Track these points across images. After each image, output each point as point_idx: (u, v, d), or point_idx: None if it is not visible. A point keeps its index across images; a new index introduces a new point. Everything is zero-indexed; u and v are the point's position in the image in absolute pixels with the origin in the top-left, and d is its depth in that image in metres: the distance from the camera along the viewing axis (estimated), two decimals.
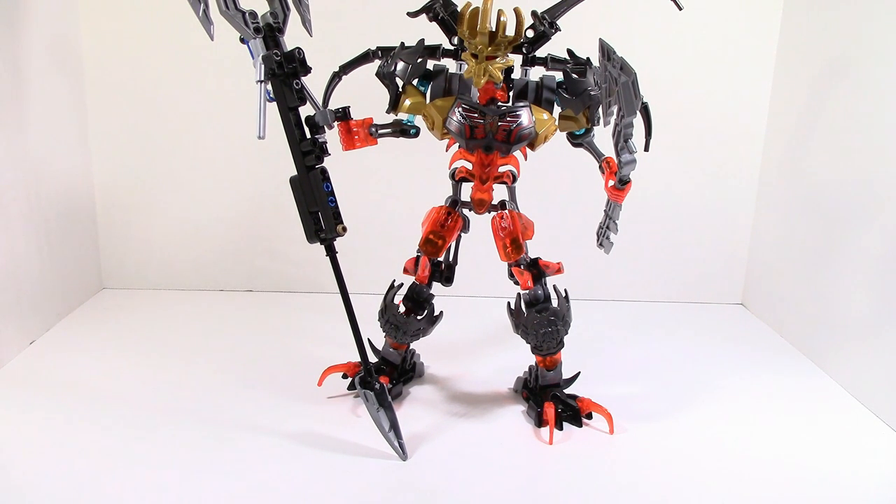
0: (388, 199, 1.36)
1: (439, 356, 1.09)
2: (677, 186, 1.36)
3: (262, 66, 0.78)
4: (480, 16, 0.79)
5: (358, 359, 0.87)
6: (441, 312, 0.98)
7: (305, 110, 0.81)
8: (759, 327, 1.31)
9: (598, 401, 0.93)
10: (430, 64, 0.88)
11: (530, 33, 0.85)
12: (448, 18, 0.86)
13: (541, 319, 0.90)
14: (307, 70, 0.79)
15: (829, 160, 1.14)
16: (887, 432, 0.94)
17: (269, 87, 0.79)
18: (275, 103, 0.79)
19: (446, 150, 0.92)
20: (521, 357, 1.01)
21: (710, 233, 1.39)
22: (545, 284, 0.92)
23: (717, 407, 0.99)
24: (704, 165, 1.36)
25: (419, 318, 0.96)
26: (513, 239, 0.90)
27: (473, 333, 1.21)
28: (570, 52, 0.87)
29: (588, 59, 0.86)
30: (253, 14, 0.78)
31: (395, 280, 0.98)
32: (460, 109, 0.85)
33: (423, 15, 0.86)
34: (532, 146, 0.87)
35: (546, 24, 0.85)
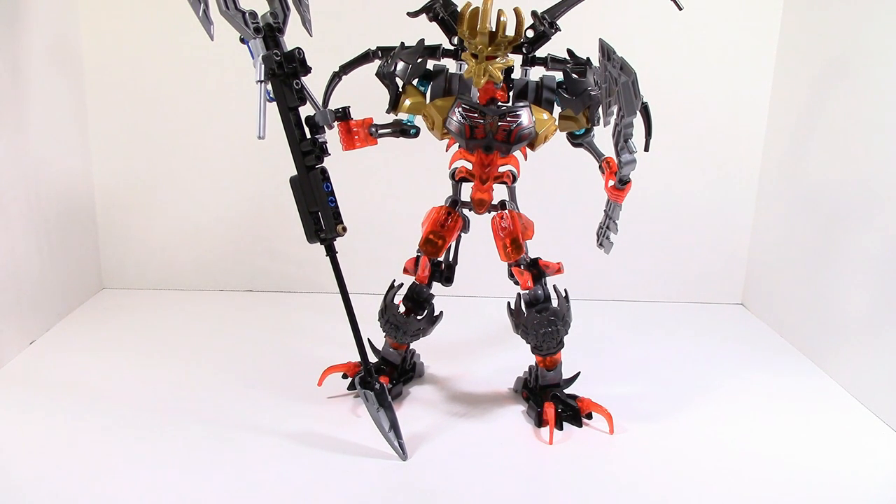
0: (388, 199, 1.36)
1: (439, 356, 1.09)
2: (677, 186, 1.36)
3: (262, 66, 0.78)
4: (480, 16, 0.79)
5: (358, 359, 0.87)
6: (441, 312, 0.98)
7: (305, 110, 0.81)
8: (759, 327, 1.31)
9: (598, 401, 0.93)
10: (430, 64, 0.88)
11: (530, 33, 0.85)
12: (448, 18, 0.86)
13: (541, 319, 0.90)
14: (307, 70, 0.79)
15: (829, 160, 1.14)
16: (887, 432, 0.94)
17: (269, 87, 0.79)
18: (275, 103, 0.79)
19: (446, 150, 0.92)
20: (521, 357, 1.01)
21: (710, 233, 1.39)
22: (545, 284, 0.92)
23: (717, 407, 0.99)
24: (704, 165, 1.36)
25: (419, 318, 0.96)
26: (513, 239, 0.90)
27: (473, 333, 1.21)
28: (570, 52, 0.87)
29: (588, 59, 0.86)
30: (253, 14, 0.78)
31: (395, 280, 0.98)
32: (460, 109, 0.85)
33: (423, 15, 0.86)
34: (532, 146, 0.87)
35: (546, 24, 0.85)
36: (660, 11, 1.18)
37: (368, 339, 0.97)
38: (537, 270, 0.91)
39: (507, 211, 0.91)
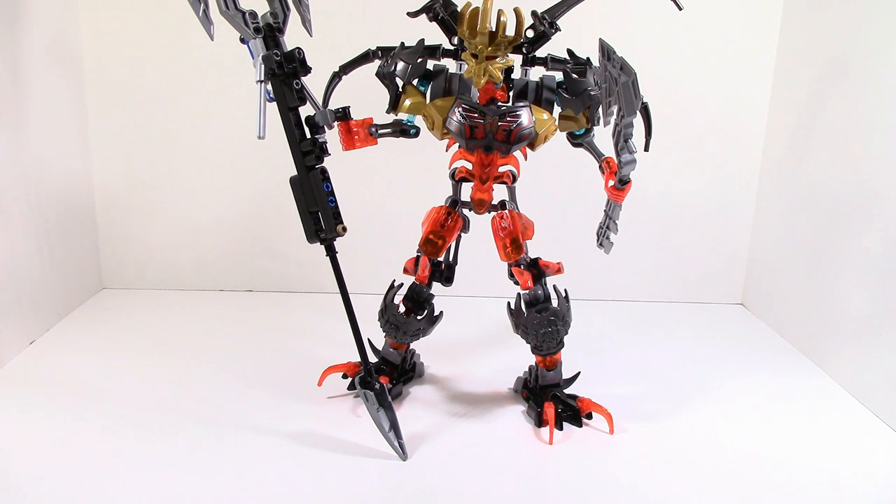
0: (388, 199, 1.36)
1: (439, 356, 1.09)
2: (677, 186, 1.36)
3: (262, 66, 0.78)
4: (480, 16, 0.79)
5: (358, 359, 0.87)
6: (441, 312, 0.98)
7: (305, 110, 0.81)
8: (759, 327, 1.31)
9: (598, 401, 0.93)
10: (430, 64, 0.88)
11: (530, 33, 0.85)
12: (448, 18, 0.86)
13: (541, 319, 0.90)
14: (307, 70, 0.79)
15: (829, 160, 1.14)
16: (887, 432, 0.94)
17: (269, 87, 0.79)
18: (275, 103, 0.79)
19: (446, 150, 0.92)
20: (521, 357, 1.01)
21: (710, 233, 1.39)
22: (545, 284, 0.92)
23: (717, 407, 0.99)
24: (704, 165, 1.36)
25: (419, 318, 0.96)
26: (513, 239, 0.90)
27: (473, 333, 1.21)
28: (570, 52, 0.87)
29: (588, 59, 0.86)
30: (253, 14, 0.78)
31: (395, 280, 0.98)
32: (460, 109, 0.85)
33: (423, 15, 0.86)
34: (532, 146, 0.87)
35: (546, 24, 0.85)
36: (660, 11, 1.18)
37: (368, 339, 0.97)
38: (537, 270, 0.91)
39: (507, 211, 0.91)
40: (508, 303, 0.95)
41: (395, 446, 0.84)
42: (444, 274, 0.96)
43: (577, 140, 0.90)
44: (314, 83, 0.82)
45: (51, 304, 1.20)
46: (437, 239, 0.92)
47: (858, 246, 1.05)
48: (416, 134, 0.89)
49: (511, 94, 0.87)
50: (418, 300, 0.96)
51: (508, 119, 0.84)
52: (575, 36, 0.91)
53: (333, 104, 0.88)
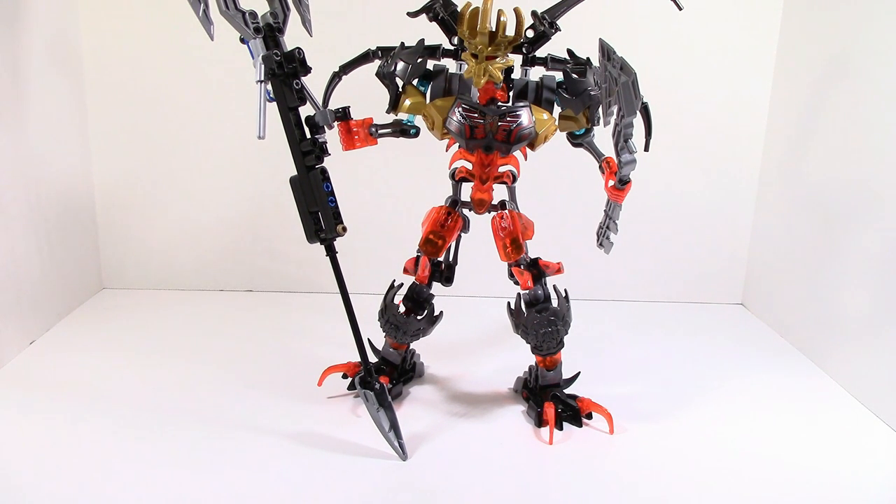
0: (388, 199, 1.36)
1: (439, 356, 1.09)
2: (677, 186, 1.36)
3: (262, 66, 0.78)
4: (480, 16, 0.79)
5: (358, 359, 0.87)
6: (441, 312, 0.98)
7: (305, 110, 0.81)
8: (759, 327, 1.31)
9: (598, 401, 0.93)
10: (430, 64, 0.88)
11: (530, 33, 0.85)
12: (448, 18, 0.85)
13: (541, 319, 0.90)
14: (307, 70, 0.79)
15: (829, 160, 1.14)
16: (887, 432, 0.94)
17: (269, 87, 0.79)
18: (275, 103, 0.79)
19: (446, 150, 0.92)
20: (521, 357, 1.01)
21: (710, 233, 1.39)
22: (545, 284, 0.92)
23: (717, 407, 0.99)
24: (704, 165, 1.36)
25: (419, 318, 0.96)
26: (513, 239, 0.90)
27: (473, 333, 1.21)
28: (570, 52, 0.87)
29: (588, 59, 0.86)
30: (253, 14, 0.78)
31: (395, 280, 0.98)
32: (460, 109, 0.85)
33: (423, 15, 0.86)
34: (532, 146, 0.87)
35: (546, 24, 0.85)
36: (660, 11, 1.18)
37: (368, 339, 0.97)
38: (537, 270, 0.91)
39: (507, 211, 0.91)
40: (508, 303, 0.95)
41: (395, 446, 0.84)
42: (444, 274, 0.96)
43: (577, 140, 0.90)
44: (314, 83, 0.82)
45: (51, 304, 1.20)
46: (437, 239, 0.92)
47: (858, 246, 1.05)
48: (416, 134, 0.89)
49: (511, 94, 0.87)
50: (418, 300, 0.96)
51: (508, 119, 0.84)
52: (575, 36, 0.91)
53: (333, 104, 0.88)
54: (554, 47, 0.87)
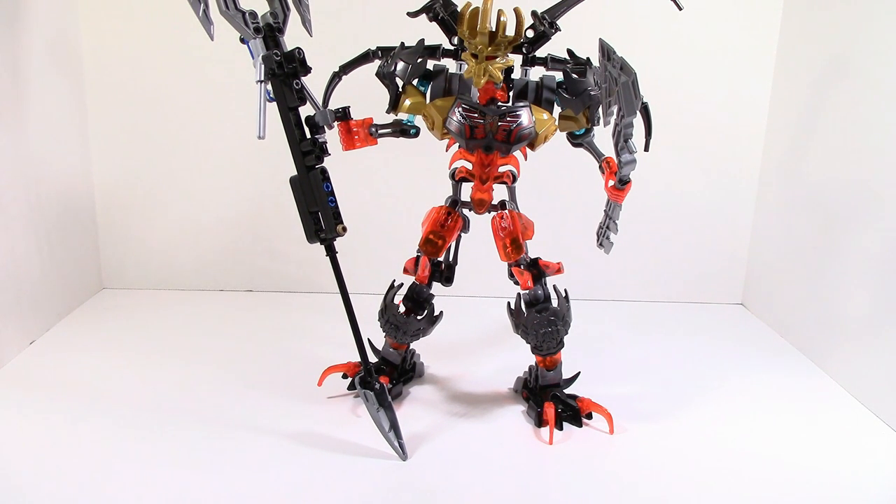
0: (388, 199, 1.36)
1: (439, 356, 1.09)
2: (677, 186, 1.36)
3: (262, 66, 0.78)
4: (480, 16, 0.79)
5: (358, 359, 0.87)
6: (441, 312, 0.98)
7: (305, 110, 0.81)
8: (759, 327, 1.31)
9: (598, 401, 0.93)
10: (430, 64, 0.88)
11: (530, 33, 0.85)
12: (448, 18, 0.85)
13: (541, 319, 0.90)
14: (307, 70, 0.79)
15: (829, 160, 1.14)
16: (887, 432, 0.94)
17: (269, 87, 0.79)
18: (275, 103, 0.79)
19: (446, 150, 0.92)
20: (521, 357, 1.01)
21: (710, 233, 1.39)
22: (545, 284, 0.92)
23: (717, 407, 0.99)
24: (704, 165, 1.36)
25: (419, 318, 0.96)
26: (513, 239, 0.90)
27: (473, 333, 1.21)
28: (570, 52, 0.87)
29: (588, 59, 0.86)
30: (253, 14, 0.78)
31: (395, 280, 0.98)
32: (460, 109, 0.85)
33: (423, 15, 0.86)
34: (532, 146, 0.87)
35: (546, 24, 0.85)
36: (660, 11, 1.18)
37: (368, 339, 0.97)
38: (537, 270, 0.91)
39: (507, 211, 0.91)
40: (508, 303, 0.95)
41: (395, 446, 0.84)
42: (444, 274, 0.96)
43: (577, 140, 0.90)
44: (314, 83, 0.82)
45: (51, 304, 1.20)
46: (437, 239, 0.92)
47: (858, 246, 1.05)
48: (416, 134, 0.89)
49: (511, 94, 0.87)
50: (418, 300, 0.96)
51: (508, 119, 0.84)
52: (575, 36, 0.91)
53: (333, 104, 0.88)
54: (554, 47, 0.87)
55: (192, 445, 0.85)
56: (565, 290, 0.94)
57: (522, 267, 0.91)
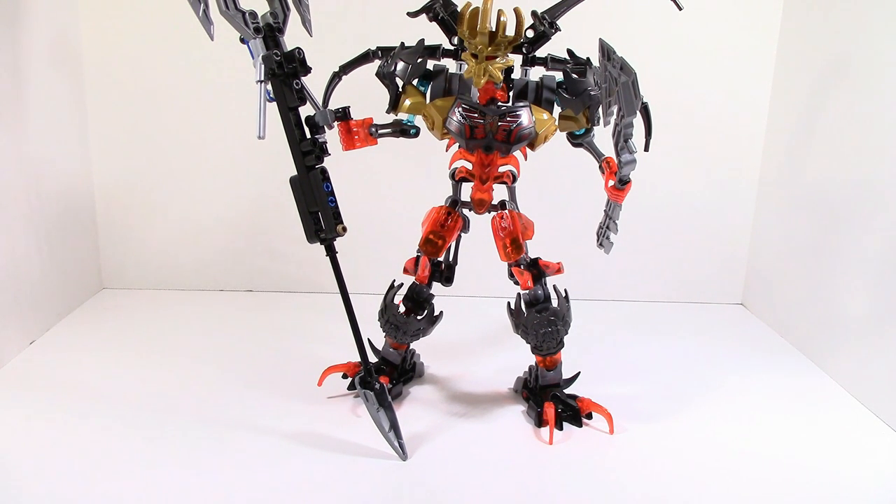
0: (388, 199, 1.36)
1: (439, 356, 1.09)
2: (677, 187, 1.36)
3: (262, 66, 0.78)
4: (480, 16, 0.79)
5: (358, 359, 0.87)
6: (441, 312, 0.98)
7: (305, 110, 0.81)
8: (759, 327, 1.31)
9: (598, 401, 0.93)
10: (430, 64, 0.88)
11: (530, 33, 0.85)
12: (448, 18, 0.85)
13: (541, 319, 0.90)
14: (307, 70, 0.79)
15: (829, 160, 1.14)
16: (887, 432, 0.94)
17: (269, 87, 0.79)
18: (275, 103, 0.79)
19: (446, 150, 0.92)
20: (521, 357, 1.01)
21: (710, 233, 1.39)
22: (545, 284, 0.92)
23: (716, 407, 0.99)
24: (704, 166, 1.36)
25: (419, 318, 0.96)
26: (513, 239, 0.90)
27: (473, 333, 1.21)
28: (570, 52, 0.87)
29: (588, 59, 0.86)
30: (253, 14, 0.78)
31: (395, 280, 0.98)
32: (460, 109, 0.85)
33: (423, 15, 0.86)
34: (532, 146, 0.87)
35: (546, 24, 0.85)
36: (660, 11, 1.18)
37: (368, 339, 0.97)
38: (537, 270, 0.91)
39: (507, 211, 0.91)
40: (508, 303, 0.95)
41: (395, 446, 0.84)
42: (444, 274, 0.96)
43: (577, 140, 0.90)
44: (314, 83, 0.82)
45: (51, 304, 1.20)
46: (437, 239, 0.92)
47: (858, 246, 1.05)
48: (416, 134, 0.89)
49: (511, 94, 0.87)
50: (418, 300, 0.96)
51: (508, 119, 0.84)
52: (575, 36, 0.91)
53: (333, 104, 0.88)
54: (554, 47, 0.87)
55: (192, 445, 0.85)
56: (565, 290, 0.94)
57: (522, 267, 0.91)
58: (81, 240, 1.32)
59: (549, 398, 0.92)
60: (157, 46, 1.29)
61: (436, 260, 0.94)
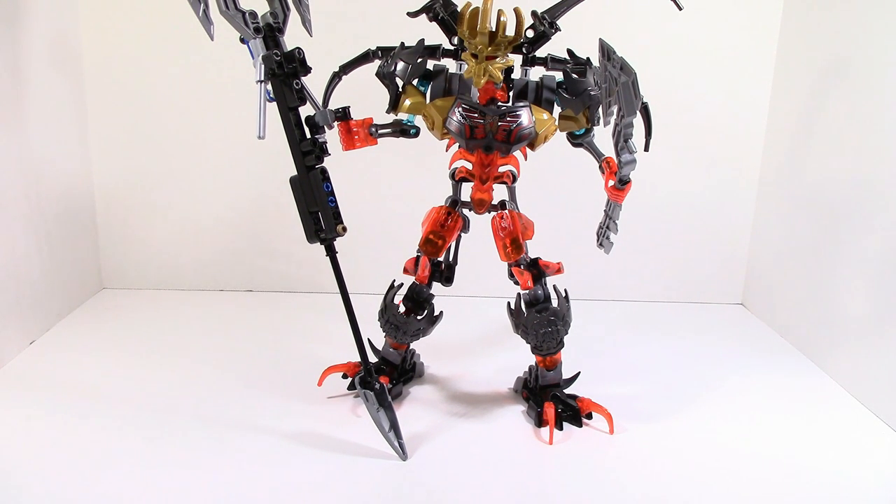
0: (388, 199, 1.36)
1: (439, 356, 1.09)
2: (677, 186, 1.36)
3: (262, 66, 0.78)
4: (480, 16, 0.79)
5: (358, 359, 0.87)
6: (441, 312, 0.98)
7: (305, 110, 0.81)
8: (759, 327, 1.31)
9: (598, 401, 0.93)
10: (430, 64, 0.88)
11: (530, 33, 0.85)
12: (448, 18, 0.85)
13: (541, 319, 0.90)
14: (307, 70, 0.79)
15: (829, 160, 1.14)
16: (887, 432, 0.94)
17: (269, 87, 0.79)
18: (275, 103, 0.79)
19: (446, 150, 0.92)
20: (521, 357, 1.01)
21: (710, 233, 1.39)
22: (545, 284, 0.92)
23: (717, 407, 0.99)
24: (704, 166, 1.36)
25: (419, 318, 0.96)
26: (513, 239, 0.90)
27: (473, 333, 1.21)
28: (570, 52, 0.87)
29: (588, 59, 0.86)
30: (253, 14, 0.78)
31: (395, 280, 0.98)
32: (460, 109, 0.85)
33: (423, 15, 0.86)
34: (532, 146, 0.87)
35: (546, 24, 0.85)
36: (659, 11, 1.18)
37: (368, 339, 0.97)
38: (537, 270, 0.91)
39: (507, 211, 0.91)
40: (508, 303, 0.95)
41: (395, 446, 0.84)
42: (444, 274, 0.96)
43: (577, 140, 0.90)
44: (314, 83, 0.82)
45: (51, 304, 1.20)
46: (437, 239, 0.92)
47: (858, 246, 1.05)
48: (416, 134, 0.89)
49: (511, 94, 0.87)
50: (418, 300, 0.96)
51: (508, 119, 0.84)
52: (575, 36, 0.91)
53: (333, 104, 0.88)
54: (554, 47, 0.87)
55: (192, 445, 0.85)
56: (565, 290, 0.94)
57: (522, 267, 0.91)
58: (81, 240, 1.32)
59: (549, 398, 0.92)
60: (158, 46, 1.29)
61: (436, 260, 0.94)
